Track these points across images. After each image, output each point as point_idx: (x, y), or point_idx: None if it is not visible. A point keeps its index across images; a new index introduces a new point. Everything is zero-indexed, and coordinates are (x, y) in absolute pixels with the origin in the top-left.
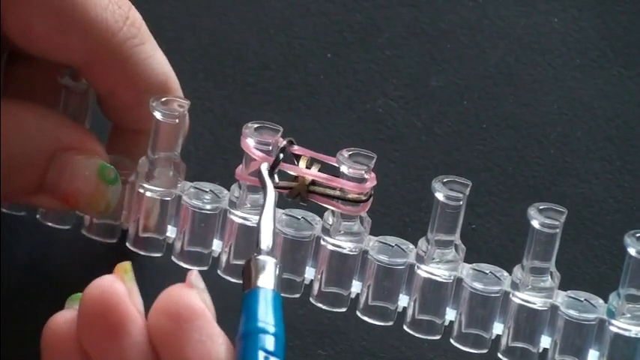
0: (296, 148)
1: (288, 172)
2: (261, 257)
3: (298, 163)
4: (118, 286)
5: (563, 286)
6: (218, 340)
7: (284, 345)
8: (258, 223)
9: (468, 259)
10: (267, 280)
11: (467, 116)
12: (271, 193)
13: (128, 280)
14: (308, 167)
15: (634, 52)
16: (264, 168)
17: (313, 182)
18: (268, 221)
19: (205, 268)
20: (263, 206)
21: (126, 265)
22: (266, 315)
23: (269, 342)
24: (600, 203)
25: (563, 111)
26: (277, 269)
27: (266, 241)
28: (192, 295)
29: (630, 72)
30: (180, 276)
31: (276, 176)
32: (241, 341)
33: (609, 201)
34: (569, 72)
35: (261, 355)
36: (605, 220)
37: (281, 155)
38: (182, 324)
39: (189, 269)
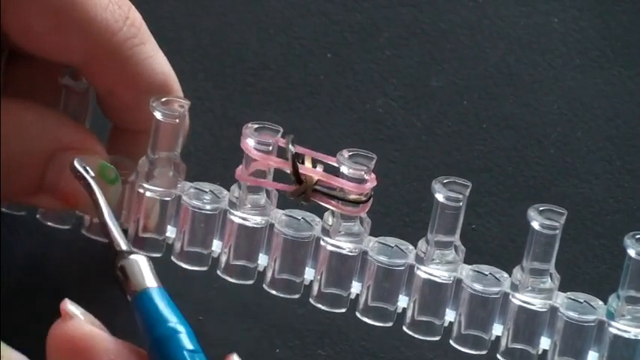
0: (299, 149)
1: (286, 169)
2: (132, 257)
3: (302, 162)
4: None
5: (563, 286)
6: (124, 352)
7: (196, 338)
8: (104, 226)
9: (468, 260)
10: (150, 278)
11: (467, 116)
12: (98, 190)
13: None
14: (313, 167)
15: (634, 52)
16: (79, 164)
17: (316, 182)
18: (111, 219)
19: (205, 269)
20: (98, 206)
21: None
22: (170, 314)
23: (185, 341)
24: (600, 203)
25: (563, 111)
26: (150, 263)
27: (121, 240)
28: (74, 326)
29: (630, 72)
30: (180, 276)
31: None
32: (159, 347)
33: (609, 201)
34: (569, 72)
35: (187, 355)
36: (605, 220)
37: (293, 150)
38: (81, 356)
39: (188, 268)
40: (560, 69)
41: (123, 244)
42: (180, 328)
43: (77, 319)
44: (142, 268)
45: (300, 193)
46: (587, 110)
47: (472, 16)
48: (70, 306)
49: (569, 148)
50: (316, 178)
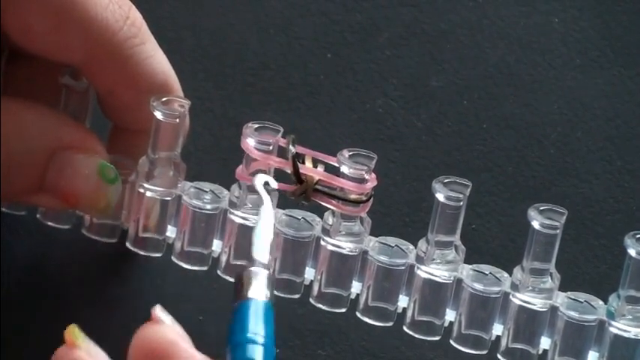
0: (300, 149)
1: (287, 169)
2: (254, 269)
3: (303, 162)
4: (74, 352)
5: (564, 286)
6: None
7: (273, 356)
8: (254, 234)
9: (468, 260)
10: (258, 291)
11: (467, 116)
12: (268, 204)
13: (82, 341)
14: (314, 167)
15: (634, 52)
16: (259, 182)
17: (317, 182)
18: (267, 233)
19: (205, 268)
20: (260, 217)
21: (72, 330)
22: (256, 326)
23: (258, 352)
24: (600, 203)
25: (563, 111)
26: (270, 281)
27: (261, 252)
28: (162, 331)
29: (630, 72)
30: (180, 276)
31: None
32: (230, 352)
33: (609, 201)
34: (569, 72)
35: None
36: (605, 220)
37: (293, 150)
38: None
39: (190, 269)
40: (560, 69)
41: (257, 255)
42: (259, 339)
43: (164, 325)
44: (259, 280)
45: (301, 193)
46: (587, 110)
47: (472, 16)
48: (159, 312)
49: (569, 148)
50: (317, 177)
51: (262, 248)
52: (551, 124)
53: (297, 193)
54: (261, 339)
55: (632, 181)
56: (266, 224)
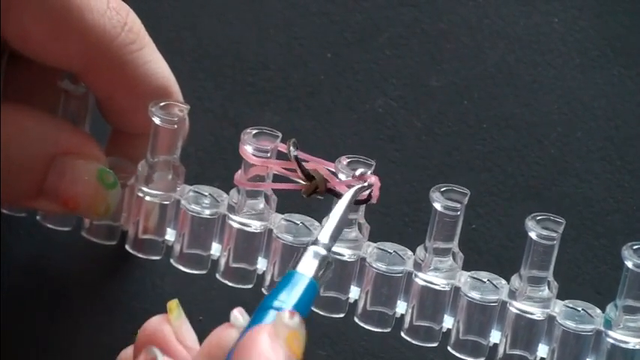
0: (300, 154)
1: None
2: (314, 247)
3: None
4: (164, 327)
5: (564, 286)
6: None
7: None
8: (327, 216)
9: (468, 260)
10: (308, 267)
11: (467, 116)
12: (348, 196)
13: (174, 318)
14: None
15: (634, 52)
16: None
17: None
18: (334, 218)
19: (204, 272)
20: (335, 204)
21: (171, 304)
22: (287, 296)
23: (271, 316)
24: (600, 203)
25: (563, 111)
26: (324, 261)
27: (325, 234)
28: (232, 335)
29: (630, 72)
30: (179, 279)
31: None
32: (255, 313)
33: (609, 201)
34: (569, 72)
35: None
36: (605, 220)
37: (295, 152)
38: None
39: (188, 272)
40: (560, 69)
41: (321, 236)
42: (285, 307)
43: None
44: (312, 258)
45: (315, 189)
46: (587, 110)
47: (472, 16)
48: (235, 316)
49: (569, 148)
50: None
51: (326, 231)
52: (551, 124)
53: (310, 190)
54: (287, 307)
55: (632, 181)
56: (337, 212)
